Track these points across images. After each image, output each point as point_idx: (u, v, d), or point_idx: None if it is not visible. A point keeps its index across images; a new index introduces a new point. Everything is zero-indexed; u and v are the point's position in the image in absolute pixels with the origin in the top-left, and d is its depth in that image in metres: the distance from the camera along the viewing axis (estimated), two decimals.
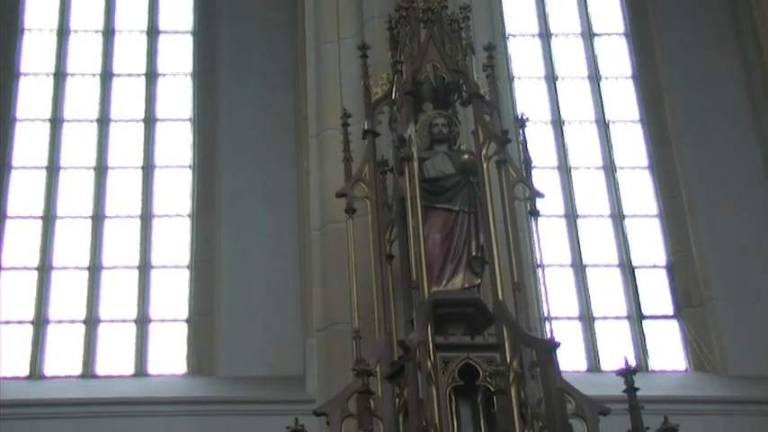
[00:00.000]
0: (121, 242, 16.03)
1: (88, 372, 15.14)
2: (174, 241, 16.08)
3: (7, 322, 15.36)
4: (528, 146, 8.21)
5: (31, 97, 16.87)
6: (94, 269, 15.79)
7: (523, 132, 8.20)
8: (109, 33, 17.36)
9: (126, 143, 16.76)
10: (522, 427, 6.57)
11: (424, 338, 6.81)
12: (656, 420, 6.27)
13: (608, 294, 15.89)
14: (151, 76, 17.20)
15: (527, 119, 8.38)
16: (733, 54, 16.95)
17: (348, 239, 7.74)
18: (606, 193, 16.61)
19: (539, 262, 9.22)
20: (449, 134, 7.92)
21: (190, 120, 16.86)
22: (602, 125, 17.08)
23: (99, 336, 15.40)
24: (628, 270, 16.07)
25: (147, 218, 16.20)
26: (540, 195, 7.91)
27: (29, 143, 16.58)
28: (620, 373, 6.19)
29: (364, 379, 6.34)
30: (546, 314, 7.89)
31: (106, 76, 17.13)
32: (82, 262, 15.84)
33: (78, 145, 16.68)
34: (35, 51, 17.15)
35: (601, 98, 17.24)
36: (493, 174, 7.65)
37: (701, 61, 16.73)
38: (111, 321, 15.52)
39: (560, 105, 17.15)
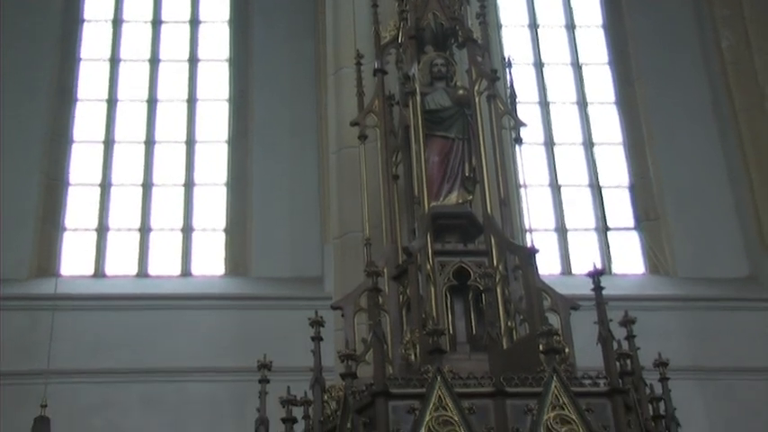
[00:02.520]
0: (169, 164, 16.06)
1: (142, 272, 15.21)
2: (214, 163, 16.10)
3: (75, 230, 15.45)
4: (513, 83, 8.20)
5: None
6: (147, 186, 15.83)
7: (510, 72, 8.18)
8: None
9: (172, 81, 16.72)
10: (506, 319, 6.60)
11: (425, 245, 6.82)
12: (617, 315, 6.28)
13: (579, 210, 15.99)
14: (194, 23, 17.11)
15: (513, 61, 8.36)
16: (689, 8, 16.85)
17: (360, 162, 7.72)
18: (579, 125, 16.68)
19: (521, 182, 9.21)
20: (447, 73, 7.87)
21: (227, 60, 16.79)
22: (577, 67, 17.11)
23: (151, 242, 15.47)
24: (596, 190, 16.15)
25: (190, 143, 16.22)
26: (523, 125, 7.88)
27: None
28: (589, 275, 6.17)
29: (374, 279, 6.34)
30: (527, 226, 7.93)
31: (156, 22, 17.03)
32: (137, 180, 15.88)
33: (132, 82, 16.71)
34: None
35: (575, 44, 17.25)
36: (484, 107, 7.61)
37: (662, 13, 16.64)
38: (161, 230, 15.59)
39: (541, 50, 17.15)
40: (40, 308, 13.82)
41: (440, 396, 5.53)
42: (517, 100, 8.04)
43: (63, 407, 12.20)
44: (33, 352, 13.24)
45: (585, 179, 16.20)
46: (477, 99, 7.61)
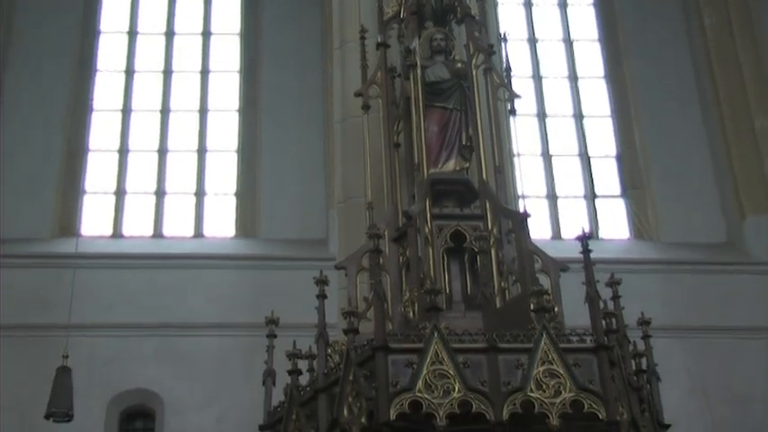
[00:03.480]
0: (183, 131, 16.07)
1: (157, 233, 15.22)
2: (225, 131, 16.10)
3: (94, 193, 15.46)
4: (508, 58, 8.17)
5: None
6: (162, 152, 15.82)
7: (505, 47, 8.16)
8: None
9: (186, 53, 16.70)
10: (499, 280, 6.61)
11: (423, 209, 6.82)
12: (604, 277, 6.29)
13: (569, 178, 16.00)
14: (208, 1, 17.04)
15: (508, 36, 8.33)
16: None
17: (363, 130, 7.71)
18: (570, 98, 16.67)
19: (515, 151, 9.22)
20: (446, 47, 7.85)
21: (239, 34, 16.74)
22: (569, 44, 17.06)
23: (166, 205, 15.48)
24: (585, 159, 16.14)
25: (203, 112, 16.20)
26: (518, 97, 7.90)
27: None
28: (578, 239, 6.18)
29: (375, 241, 6.35)
30: (520, 192, 7.93)
31: None
32: (153, 146, 15.88)
33: (148, 55, 16.71)
34: None
35: (567, 22, 17.20)
36: (480, 79, 7.61)
37: None
38: (176, 194, 15.60)
39: (535, 27, 17.11)
40: (62, 266, 13.83)
41: (436, 351, 5.55)
42: (512, 73, 8.03)
43: (83, 358, 12.25)
44: (55, 307, 13.26)
45: (575, 149, 16.19)
46: (474, 72, 7.60)
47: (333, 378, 5.81)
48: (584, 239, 6.16)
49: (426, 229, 6.70)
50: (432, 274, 6.46)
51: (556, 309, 6.18)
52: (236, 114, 16.16)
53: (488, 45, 7.75)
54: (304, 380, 6.16)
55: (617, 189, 15.95)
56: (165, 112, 16.14)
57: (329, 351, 6.07)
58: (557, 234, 15.25)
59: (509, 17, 16.96)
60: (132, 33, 16.71)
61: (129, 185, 15.54)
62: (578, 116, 16.47)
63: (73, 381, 11.33)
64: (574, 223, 15.02)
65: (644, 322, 6.61)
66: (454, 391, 5.42)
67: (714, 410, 13.31)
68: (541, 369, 5.51)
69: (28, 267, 14.03)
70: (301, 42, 15.98)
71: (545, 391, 5.45)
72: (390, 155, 7.42)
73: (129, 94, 16.26)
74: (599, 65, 16.92)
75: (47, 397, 11.33)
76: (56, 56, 15.88)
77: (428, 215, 6.77)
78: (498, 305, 6.41)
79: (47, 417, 11.37)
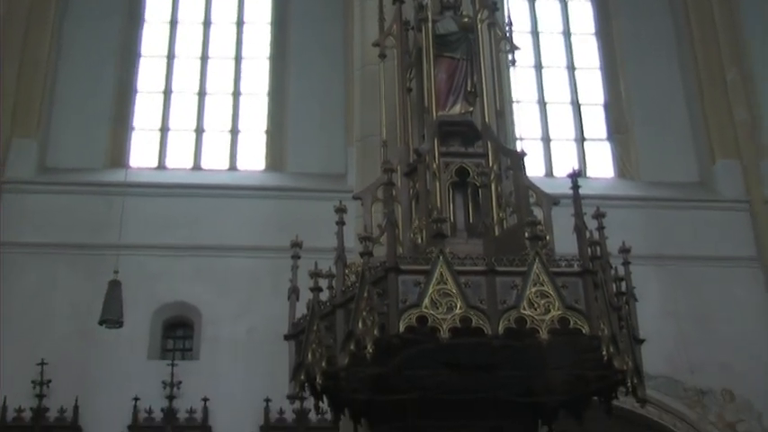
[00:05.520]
0: (220, 76, 16.06)
1: (197, 165, 15.27)
2: (257, 76, 16.06)
3: (142, 129, 15.47)
4: (510, 14, 8.10)
5: None
6: (202, 95, 15.85)
7: (507, 4, 8.06)
8: None
9: (224, 8, 16.65)
10: (498, 211, 6.57)
11: (432, 148, 6.76)
12: (590, 210, 6.25)
13: (561, 121, 15.98)
14: None
15: None
16: None
17: (380, 77, 7.62)
18: (563, 52, 16.61)
19: (514, 98, 9.14)
20: (454, 3, 7.69)
21: None
22: (564, 3, 17.14)
23: (204, 141, 15.51)
24: (576, 106, 16.14)
25: (238, 59, 16.24)
26: (517, 49, 7.80)
27: None
28: (568, 176, 6.13)
29: (389, 175, 6.30)
30: (518, 134, 7.89)
31: None
32: (194, 89, 15.88)
33: (191, 8, 16.60)
34: None
35: None
36: (485, 33, 7.49)
37: None
38: (213, 131, 15.62)
39: None
40: (113, 193, 13.90)
41: (441, 273, 5.53)
42: (512, 28, 7.92)
43: (131, 274, 12.32)
44: (107, 229, 13.35)
45: (567, 97, 16.23)
46: (479, 26, 7.47)
47: (349, 295, 5.81)
48: (574, 177, 6.11)
49: (434, 166, 6.64)
50: (438, 205, 6.42)
51: (547, 237, 6.14)
52: (267, 62, 16.15)
53: (492, 2, 7.64)
54: (324, 296, 6.16)
55: (603, 133, 15.98)
56: (204, 59, 16.18)
57: (346, 271, 6.05)
58: (549, 172, 15.27)
59: None
60: None
61: (173, 123, 15.61)
62: (570, 68, 16.46)
63: (122, 293, 11.42)
64: (565, 163, 15.08)
65: (624, 251, 6.56)
66: (456, 308, 5.41)
67: (683, 328, 13.40)
68: (533, 290, 5.49)
69: (83, 194, 14.10)
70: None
71: (536, 309, 5.44)
72: (403, 99, 7.33)
73: (173, 42, 16.27)
74: (590, 22, 16.88)
75: (100, 307, 11.43)
76: (109, 7, 15.80)
77: (436, 153, 6.71)
78: (497, 233, 6.37)
79: (100, 323, 11.50)
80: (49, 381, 12.65)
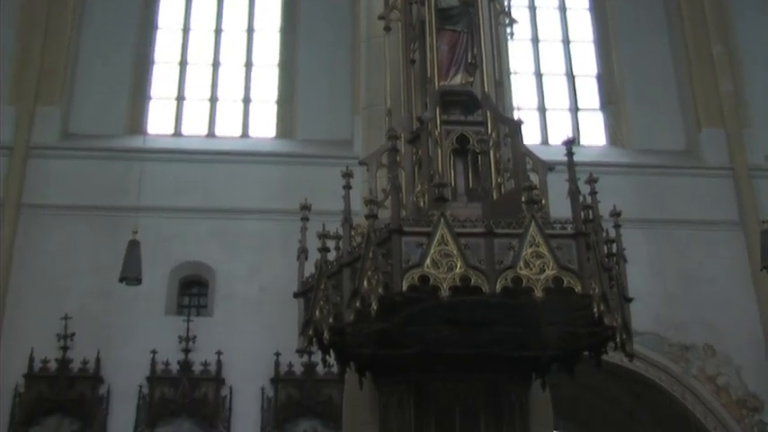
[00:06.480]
0: (233, 48, 15.97)
1: (211, 132, 15.22)
2: (268, 47, 15.97)
3: (159, 98, 15.40)
4: None
5: None
6: (216, 65, 15.78)
7: None
8: None
9: None
10: (496, 176, 6.54)
11: (434, 116, 6.72)
12: (583, 176, 6.22)
13: (556, 92, 15.93)
14: None
15: None
16: None
17: (385, 49, 7.57)
18: (559, 25, 16.51)
19: (512, 69, 9.07)
20: None
21: None
22: None
23: (218, 109, 15.45)
24: (570, 78, 16.07)
25: (250, 31, 16.13)
26: (516, 22, 7.75)
27: None
28: (563, 143, 6.09)
29: (393, 142, 6.28)
30: (515, 104, 7.82)
31: None
32: (208, 60, 15.81)
33: None
34: None
35: None
36: (485, 6, 7.42)
37: None
38: (226, 100, 15.56)
39: None
40: (132, 158, 13.89)
41: (442, 234, 5.52)
42: (511, 3, 7.87)
43: (149, 235, 12.32)
44: (126, 192, 13.34)
45: (562, 69, 16.14)
46: (479, 0, 7.41)
47: (355, 255, 5.79)
48: (568, 145, 6.08)
49: (436, 133, 6.61)
50: (440, 171, 6.39)
51: (543, 201, 6.11)
52: (278, 34, 16.04)
53: None
54: (331, 256, 6.15)
55: (596, 104, 15.93)
56: (218, 31, 16.10)
57: (353, 233, 6.03)
58: (545, 140, 15.23)
59: None
60: None
61: (188, 93, 15.54)
62: (566, 41, 16.38)
63: (141, 253, 11.42)
64: (559, 131, 15.06)
65: (615, 214, 6.54)
66: (456, 267, 5.40)
67: (668, 288, 13.39)
68: (529, 251, 5.47)
69: (104, 159, 14.07)
70: None
71: (531, 269, 5.43)
72: (407, 70, 7.28)
73: (189, 15, 16.18)
74: None
75: (120, 265, 11.44)
76: None
77: (438, 121, 6.66)
78: (495, 197, 6.36)
79: (120, 280, 11.51)
80: (73, 334, 12.70)
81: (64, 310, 12.72)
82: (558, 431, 13.37)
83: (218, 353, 12.77)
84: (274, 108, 15.42)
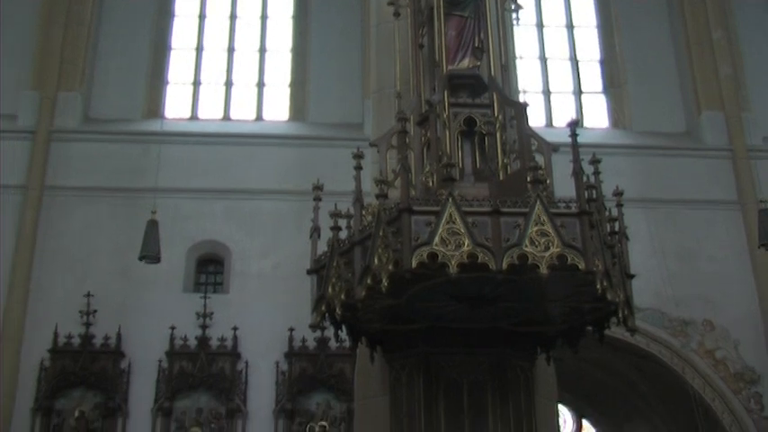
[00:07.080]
0: (247, 34, 15.95)
1: (226, 116, 15.22)
2: (281, 33, 15.92)
3: (176, 83, 15.40)
4: None
5: None
6: (230, 50, 15.77)
7: None
8: None
9: None
10: (502, 157, 6.51)
11: (442, 99, 6.69)
12: (587, 157, 6.18)
13: (560, 76, 15.87)
14: None
15: None
16: None
17: (394, 34, 7.53)
18: (563, 11, 16.41)
19: (518, 54, 9.02)
20: None
21: None
22: None
23: (233, 93, 15.44)
24: (574, 62, 16.02)
25: (264, 17, 16.11)
26: (521, 8, 7.68)
27: None
28: (567, 125, 6.05)
29: (402, 124, 6.25)
30: (521, 87, 7.79)
31: None
32: (223, 45, 15.79)
33: None
34: None
35: None
36: None
37: None
38: (241, 84, 15.54)
39: None
40: (150, 141, 13.90)
41: (450, 213, 5.49)
42: None
43: (167, 215, 12.36)
44: (145, 174, 13.35)
45: (566, 53, 16.06)
46: None
47: (366, 233, 5.78)
48: (572, 127, 6.03)
49: (444, 115, 6.57)
50: (448, 152, 6.35)
51: (548, 181, 6.07)
52: (291, 21, 16.00)
53: None
54: (343, 235, 6.13)
55: (599, 87, 15.89)
56: (233, 17, 16.08)
57: (364, 212, 6.01)
58: (549, 122, 15.20)
59: None
60: None
61: (204, 77, 15.53)
62: (570, 26, 16.31)
63: (159, 232, 11.44)
64: (563, 114, 15.01)
65: (617, 194, 6.50)
66: (464, 245, 5.37)
67: (669, 265, 13.37)
68: (534, 229, 5.44)
69: (123, 142, 14.09)
70: None
71: (537, 247, 5.40)
72: (416, 54, 7.23)
73: (204, 4, 16.18)
74: None
75: (140, 244, 11.47)
76: None
77: (446, 104, 6.63)
78: (501, 177, 6.33)
79: (140, 259, 11.54)
80: (95, 311, 12.77)
81: (86, 287, 12.78)
82: (561, 403, 13.39)
83: (235, 328, 12.81)
84: (287, 92, 15.40)
